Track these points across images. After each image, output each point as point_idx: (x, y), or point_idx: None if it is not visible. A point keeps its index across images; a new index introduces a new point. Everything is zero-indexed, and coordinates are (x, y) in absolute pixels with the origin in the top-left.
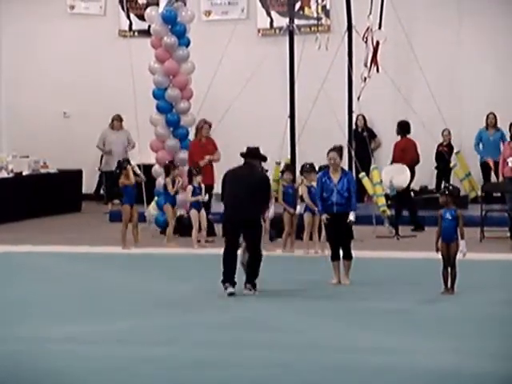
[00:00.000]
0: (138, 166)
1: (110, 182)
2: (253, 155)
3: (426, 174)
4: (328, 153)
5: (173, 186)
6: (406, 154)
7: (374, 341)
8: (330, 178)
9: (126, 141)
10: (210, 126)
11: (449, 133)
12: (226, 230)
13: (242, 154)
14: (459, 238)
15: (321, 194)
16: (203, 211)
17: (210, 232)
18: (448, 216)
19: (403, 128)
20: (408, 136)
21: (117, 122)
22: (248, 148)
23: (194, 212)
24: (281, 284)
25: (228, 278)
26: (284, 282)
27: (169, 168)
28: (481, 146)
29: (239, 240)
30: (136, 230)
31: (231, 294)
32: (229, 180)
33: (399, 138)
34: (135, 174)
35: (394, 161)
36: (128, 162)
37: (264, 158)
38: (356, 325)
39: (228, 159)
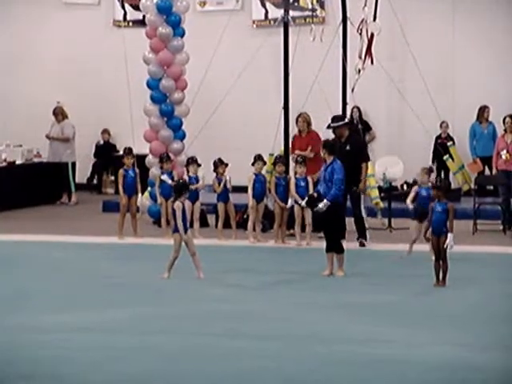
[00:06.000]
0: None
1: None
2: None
3: (419, 167)
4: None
5: (219, 185)
6: None
7: (366, 332)
8: (325, 169)
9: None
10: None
11: (447, 125)
12: None
13: None
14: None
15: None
16: (197, 203)
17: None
18: (438, 209)
19: None
20: None
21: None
22: None
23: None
24: (273, 275)
25: None
26: (276, 273)
27: (216, 165)
28: (474, 142)
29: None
30: (135, 221)
31: None
32: None
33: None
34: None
35: None
36: (130, 151)
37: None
38: (348, 316)
39: (222, 149)
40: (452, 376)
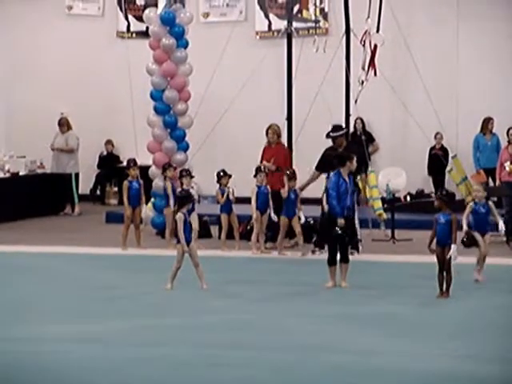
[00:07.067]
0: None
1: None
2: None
3: (422, 178)
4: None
5: (222, 196)
6: None
7: (367, 343)
8: (345, 180)
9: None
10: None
11: (441, 136)
12: None
13: None
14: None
15: (338, 197)
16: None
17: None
18: (442, 220)
19: None
20: None
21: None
22: None
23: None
24: (276, 287)
25: None
26: (279, 285)
27: (219, 176)
28: (478, 153)
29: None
30: (138, 233)
31: None
32: None
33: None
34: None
35: None
36: (135, 162)
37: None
38: (350, 327)
39: (225, 160)
40: None
